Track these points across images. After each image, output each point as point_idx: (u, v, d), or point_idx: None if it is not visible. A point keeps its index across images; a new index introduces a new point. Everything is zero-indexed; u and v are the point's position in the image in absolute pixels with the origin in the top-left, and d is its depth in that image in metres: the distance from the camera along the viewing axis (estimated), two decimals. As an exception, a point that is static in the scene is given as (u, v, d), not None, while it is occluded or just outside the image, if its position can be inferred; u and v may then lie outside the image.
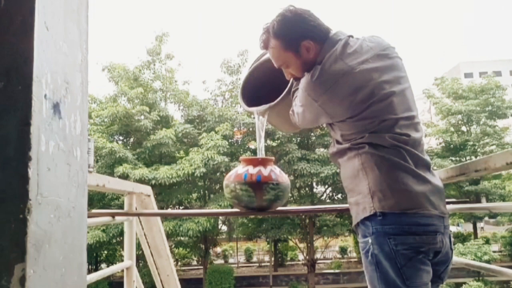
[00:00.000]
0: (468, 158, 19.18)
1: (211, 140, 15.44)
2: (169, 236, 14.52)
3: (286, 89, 1.62)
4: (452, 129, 20.65)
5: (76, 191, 0.66)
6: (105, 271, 2.05)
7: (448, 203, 1.83)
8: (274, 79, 1.67)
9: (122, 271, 2.19)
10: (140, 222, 2.35)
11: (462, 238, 19.89)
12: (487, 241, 19.37)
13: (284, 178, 1.64)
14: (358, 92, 1.27)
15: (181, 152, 16.32)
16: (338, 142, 1.40)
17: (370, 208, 1.24)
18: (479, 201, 19.84)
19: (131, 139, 17.99)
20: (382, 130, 1.27)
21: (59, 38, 0.64)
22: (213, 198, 16.57)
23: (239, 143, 17.98)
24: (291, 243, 21.51)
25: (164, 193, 15.52)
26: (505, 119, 20.49)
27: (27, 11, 0.58)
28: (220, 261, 23.82)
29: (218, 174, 15.80)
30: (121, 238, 14.12)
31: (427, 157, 1.33)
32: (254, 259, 25.00)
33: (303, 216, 17.40)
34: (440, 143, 20.98)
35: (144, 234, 2.40)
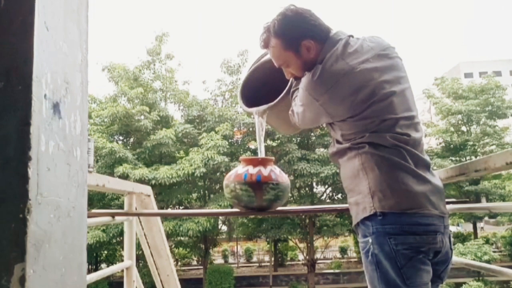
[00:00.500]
0: (468, 158, 19.18)
1: (211, 140, 15.44)
2: (169, 236, 14.52)
3: (286, 89, 1.61)
4: (452, 129, 20.65)
5: (76, 191, 0.66)
6: (105, 271, 2.05)
7: (448, 203, 1.83)
8: (274, 80, 1.66)
9: (122, 271, 2.19)
10: (140, 222, 2.35)
11: (462, 238, 19.89)
12: (487, 241, 19.37)
13: (284, 178, 1.64)
14: (359, 91, 1.27)
15: (181, 152, 16.33)
16: (338, 142, 1.39)
17: (370, 208, 1.24)
18: (479, 201, 19.84)
19: (131, 139, 18.00)
20: (382, 129, 1.27)
21: (59, 38, 0.64)
22: (213, 198, 16.57)
23: (239, 143, 17.98)
24: (291, 243, 21.52)
25: (164, 193, 15.53)
26: (505, 119, 20.50)
27: (27, 11, 0.58)
28: (220, 260, 23.83)
29: (218, 174, 15.81)
30: (121, 238, 14.12)
31: (427, 157, 1.33)
32: (254, 259, 24.99)
33: (303, 216, 17.40)
34: (440, 143, 20.99)
35: (144, 234, 2.40)
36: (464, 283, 16.05)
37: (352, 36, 1.40)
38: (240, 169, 1.63)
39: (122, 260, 2.21)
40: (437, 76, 22.25)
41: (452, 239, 1.34)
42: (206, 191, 18.01)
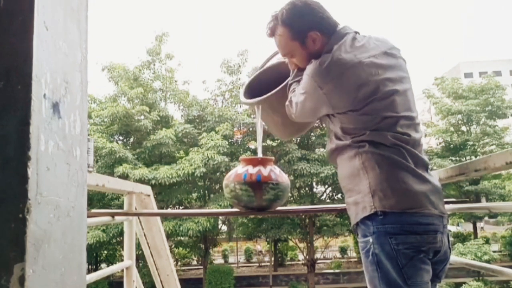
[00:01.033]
0: (468, 158, 19.18)
1: (211, 140, 15.45)
2: (169, 236, 14.52)
3: (284, 82, 1.60)
4: (452, 129, 20.65)
5: (76, 191, 0.66)
6: (105, 271, 2.05)
7: (448, 203, 1.83)
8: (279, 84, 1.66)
9: (122, 271, 2.19)
10: (140, 222, 2.35)
11: (462, 238, 19.90)
12: (487, 241, 19.38)
13: (283, 178, 1.64)
14: (363, 85, 1.27)
15: (181, 152, 16.33)
16: (337, 138, 1.38)
17: (371, 207, 1.23)
18: (479, 201, 19.85)
19: (131, 139, 18.00)
20: (383, 128, 1.27)
21: (58, 37, 0.64)
22: (213, 198, 16.57)
23: (239, 143, 17.98)
24: (291, 243, 21.52)
25: (164, 193, 15.53)
26: (505, 119, 20.51)
27: (27, 10, 0.58)
28: (220, 260, 23.84)
29: (218, 174, 15.82)
30: (121, 238, 14.12)
31: (425, 158, 1.33)
32: (254, 259, 25.00)
33: (303, 216, 17.40)
34: (440, 143, 21.00)
35: (144, 234, 2.39)
36: (464, 283, 16.06)
37: (359, 33, 1.41)
38: (240, 169, 1.63)
39: (122, 260, 2.21)
40: (437, 76, 22.26)
41: (450, 239, 1.34)
42: (206, 191, 18.02)
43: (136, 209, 2.20)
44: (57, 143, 0.62)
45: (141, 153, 16.23)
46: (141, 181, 13.06)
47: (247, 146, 17.58)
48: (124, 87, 16.81)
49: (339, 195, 17.97)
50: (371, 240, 1.23)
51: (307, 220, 17.80)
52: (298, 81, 1.50)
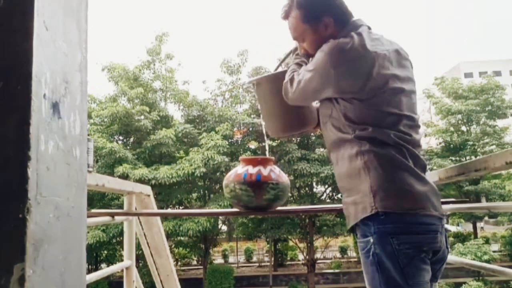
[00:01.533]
0: (468, 158, 19.19)
1: (211, 140, 15.45)
2: (169, 236, 14.53)
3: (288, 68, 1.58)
4: (452, 129, 20.66)
5: (76, 191, 0.66)
6: (105, 271, 2.05)
7: (448, 203, 1.83)
8: None
9: (122, 271, 2.19)
10: (140, 222, 2.35)
11: (462, 238, 19.90)
12: (487, 241, 19.38)
13: (283, 178, 1.64)
14: (375, 76, 1.27)
15: (181, 152, 16.33)
16: (338, 129, 1.36)
17: (372, 207, 1.23)
18: (479, 201, 19.84)
19: (131, 139, 18.01)
20: (386, 125, 1.27)
21: (58, 37, 0.64)
22: (213, 198, 16.58)
23: (239, 143, 17.99)
24: (291, 243, 21.52)
25: (164, 193, 15.53)
26: (505, 119, 20.52)
27: (26, 10, 0.58)
28: (220, 260, 23.85)
29: (218, 174, 15.82)
30: (121, 238, 14.12)
31: (424, 159, 1.34)
32: (254, 259, 25.01)
33: (303, 216, 17.40)
34: (440, 143, 21.00)
35: (144, 234, 2.39)
36: (464, 283, 16.06)
37: (371, 28, 1.42)
38: (240, 169, 1.63)
39: (122, 260, 2.21)
40: (437, 76, 22.28)
41: (448, 239, 1.34)
42: (206, 191, 18.02)
43: (136, 209, 2.20)
44: (57, 143, 0.62)
45: (141, 153, 16.24)
46: (141, 181, 13.06)
47: (247, 146, 17.59)
48: (124, 87, 16.81)
49: (339, 195, 17.96)
50: (371, 240, 1.22)
51: (307, 220, 17.81)
52: (299, 64, 1.49)
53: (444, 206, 1.65)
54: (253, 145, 17.46)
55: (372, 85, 1.27)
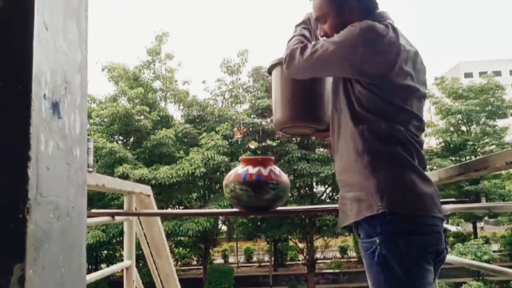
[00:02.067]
0: (468, 157, 19.19)
1: (211, 140, 15.45)
2: (169, 236, 14.52)
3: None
4: (452, 128, 20.67)
5: (76, 191, 0.66)
6: (105, 271, 2.05)
7: (448, 203, 1.83)
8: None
9: (122, 271, 2.19)
10: (140, 222, 2.35)
11: (462, 238, 19.90)
12: (487, 241, 19.38)
13: (283, 178, 1.64)
14: (397, 70, 1.26)
15: (181, 152, 16.33)
16: (350, 119, 1.30)
17: (378, 207, 1.20)
18: (479, 201, 19.86)
19: (131, 139, 18.00)
20: (398, 121, 1.26)
21: (58, 37, 0.64)
22: (213, 198, 16.58)
23: (239, 143, 17.99)
24: (291, 243, 21.53)
25: (164, 193, 15.53)
26: (505, 119, 20.52)
27: (26, 10, 0.58)
28: (220, 260, 23.85)
29: (218, 174, 15.82)
30: (121, 238, 14.12)
31: (425, 160, 1.34)
32: (254, 259, 25.01)
33: (303, 216, 17.40)
34: (440, 143, 21.01)
35: (144, 234, 2.39)
36: (464, 283, 16.06)
37: None
38: (240, 169, 1.63)
39: (122, 260, 2.21)
40: (437, 76, 22.27)
41: (448, 239, 1.34)
42: (206, 191, 18.02)
43: (136, 209, 2.20)
44: (57, 143, 0.62)
45: (141, 153, 16.23)
46: (141, 181, 13.06)
47: (247, 146, 17.59)
48: (124, 87, 16.81)
49: (339, 195, 17.94)
50: (377, 241, 1.20)
51: (307, 220, 17.80)
52: (304, 36, 1.45)
53: (444, 206, 1.65)
54: (253, 145, 17.46)
55: (393, 77, 1.25)
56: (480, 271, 13.88)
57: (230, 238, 24.43)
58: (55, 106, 0.61)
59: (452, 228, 22.66)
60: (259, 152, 16.89)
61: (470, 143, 19.65)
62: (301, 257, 21.14)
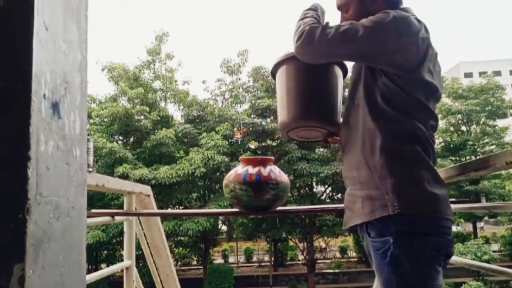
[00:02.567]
0: (467, 158, 19.20)
1: (211, 140, 15.45)
2: (168, 236, 14.52)
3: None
4: (452, 128, 20.68)
5: (76, 191, 0.66)
6: (105, 271, 2.05)
7: (448, 203, 1.83)
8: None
9: (122, 271, 2.19)
10: (140, 222, 2.35)
11: (462, 237, 19.90)
12: (487, 241, 19.38)
13: (283, 178, 1.64)
14: (425, 64, 1.24)
15: (181, 152, 16.33)
16: (369, 114, 1.25)
17: (394, 207, 1.16)
18: (479, 201, 19.86)
19: (131, 139, 18.00)
20: (420, 119, 1.24)
21: (58, 37, 0.64)
22: (213, 198, 16.57)
23: (239, 143, 17.98)
24: (291, 243, 21.52)
25: (164, 193, 15.53)
26: (504, 119, 20.54)
27: (27, 10, 0.58)
28: (220, 260, 23.84)
29: (218, 174, 15.82)
30: (121, 238, 14.11)
31: None
32: (254, 259, 25.01)
33: (303, 216, 17.40)
34: (440, 143, 21.00)
35: (144, 234, 2.39)
36: (464, 283, 16.05)
37: None
38: (240, 169, 1.63)
39: (122, 260, 2.21)
40: (437, 76, 22.23)
41: None
42: (206, 191, 18.02)
43: (136, 209, 2.20)
44: (57, 143, 0.62)
45: (141, 153, 16.23)
46: (141, 181, 13.05)
47: (247, 146, 17.58)
48: (124, 87, 16.81)
49: (339, 195, 17.97)
50: (391, 240, 1.16)
51: (307, 220, 17.80)
52: (316, 19, 1.35)
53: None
54: (253, 145, 17.46)
55: (421, 72, 1.23)
56: (480, 271, 13.87)
57: (230, 238, 24.43)
58: (55, 106, 0.61)
59: (452, 228, 22.63)
60: (259, 152, 16.89)
61: (470, 143, 19.66)
62: (301, 257, 21.15)
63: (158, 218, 2.49)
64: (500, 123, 20.77)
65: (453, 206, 1.87)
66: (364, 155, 1.26)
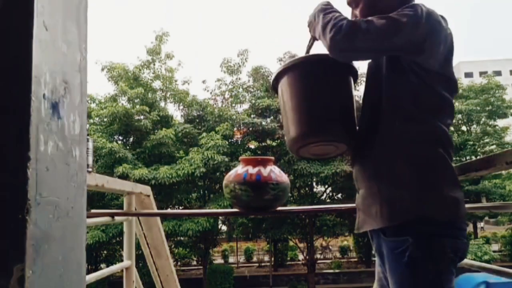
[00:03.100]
0: (468, 158, 19.19)
1: (211, 140, 15.44)
2: (168, 236, 14.52)
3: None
4: (452, 128, 20.64)
5: (75, 191, 0.66)
6: (105, 271, 2.05)
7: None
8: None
9: (122, 271, 2.19)
10: (140, 222, 2.35)
11: (462, 238, 19.87)
12: (487, 241, 19.37)
13: (283, 178, 1.64)
14: (451, 60, 1.23)
15: (181, 152, 16.33)
16: (395, 116, 1.20)
17: (415, 211, 1.14)
18: (479, 201, 19.86)
19: (131, 139, 18.00)
20: (442, 119, 1.22)
21: (58, 37, 0.64)
22: (213, 198, 16.57)
23: (239, 143, 17.98)
24: (291, 243, 21.52)
25: (164, 193, 15.53)
26: (505, 119, 20.54)
27: (26, 11, 0.58)
28: (220, 260, 23.84)
29: (218, 174, 15.82)
30: (121, 238, 14.09)
31: None
32: (254, 259, 25.01)
33: (303, 216, 17.40)
34: (440, 143, 20.98)
35: (144, 234, 2.39)
36: (464, 283, 16.05)
37: None
38: (240, 169, 1.63)
39: (122, 260, 2.21)
40: (437, 76, 22.24)
41: None
42: (206, 191, 18.01)
43: (135, 209, 2.20)
44: (57, 143, 0.61)
45: (141, 153, 16.23)
46: (141, 181, 13.05)
47: (247, 146, 17.58)
48: (124, 87, 16.81)
49: (339, 195, 17.97)
50: (410, 240, 1.13)
51: (307, 220, 17.80)
52: (339, 12, 1.24)
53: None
54: (253, 145, 17.46)
55: (449, 65, 1.22)
56: (480, 271, 13.86)
57: (230, 238, 24.42)
58: (54, 107, 0.61)
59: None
60: (259, 152, 16.89)
61: (471, 143, 19.64)
62: (301, 257, 21.14)
63: (158, 218, 2.49)
64: (501, 123, 20.77)
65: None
66: (384, 157, 1.22)
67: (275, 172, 1.62)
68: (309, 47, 1.43)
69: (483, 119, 20.25)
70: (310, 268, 18.18)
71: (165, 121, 17.49)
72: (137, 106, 16.33)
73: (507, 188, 19.08)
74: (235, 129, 17.49)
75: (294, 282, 20.12)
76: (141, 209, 2.27)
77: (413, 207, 1.15)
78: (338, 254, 24.41)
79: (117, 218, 2.05)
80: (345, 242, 24.78)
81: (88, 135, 0.96)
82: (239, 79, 18.67)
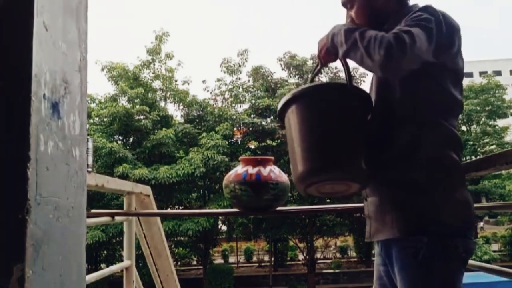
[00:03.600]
0: (468, 158, 19.20)
1: (211, 140, 15.45)
2: (168, 236, 14.52)
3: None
4: (452, 129, 20.65)
5: (75, 191, 0.66)
6: (105, 271, 2.06)
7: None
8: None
9: (122, 271, 2.19)
10: (140, 222, 2.35)
11: (462, 238, 19.87)
12: (487, 241, 19.37)
13: (283, 178, 1.64)
14: (462, 57, 1.22)
15: (181, 152, 16.33)
16: (408, 120, 1.18)
17: (431, 217, 1.14)
18: (479, 201, 19.87)
19: (131, 139, 17.99)
20: (452, 121, 1.21)
21: (58, 37, 0.64)
22: (213, 198, 16.58)
23: (239, 143, 17.98)
24: (291, 243, 21.52)
25: (164, 193, 15.53)
26: (505, 119, 20.54)
27: (26, 10, 0.58)
28: (220, 260, 23.84)
29: (218, 174, 15.82)
30: (121, 238, 14.08)
31: None
32: (254, 259, 25.00)
33: (303, 216, 17.40)
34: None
35: (144, 234, 2.39)
36: (464, 282, 16.04)
37: None
38: (240, 169, 1.63)
39: (122, 260, 2.21)
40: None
41: None
42: (206, 191, 18.01)
43: (135, 209, 2.20)
44: (57, 143, 0.61)
45: (141, 153, 16.23)
46: (141, 181, 13.04)
47: (247, 146, 17.58)
48: (124, 86, 16.81)
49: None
50: (424, 240, 1.12)
51: (307, 220, 17.80)
52: (363, 34, 1.12)
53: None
54: (253, 145, 17.46)
55: (459, 61, 1.20)
56: (480, 271, 13.86)
57: (230, 238, 24.42)
58: (54, 106, 0.61)
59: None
60: (259, 152, 16.88)
61: (470, 143, 19.65)
62: (301, 257, 21.14)
63: (158, 218, 2.49)
64: (501, 123, 20.77)
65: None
66: (398, 163, 1.20)
67: (275, 172, 1.62)
68: (316, 73, 1.37)
69: (483, 119, 20.25)
70: (310, 268, 18.18)
71: (165, 121, 17.49)
72: (137, 106, 16.33)
73: (507, 188, 19.08)
74: (235, 129, 17.49)
75: (294, 282, 20.11)
76: (141, 209, 2.27)
77: (430, 212, 1.15)
78: (338, 254, 24.41)
79: (117, 218, 2.05)
80: (345, 243, 24.77)
81: (88, 135, 0.96)
82: (239, 79, 18.69)
